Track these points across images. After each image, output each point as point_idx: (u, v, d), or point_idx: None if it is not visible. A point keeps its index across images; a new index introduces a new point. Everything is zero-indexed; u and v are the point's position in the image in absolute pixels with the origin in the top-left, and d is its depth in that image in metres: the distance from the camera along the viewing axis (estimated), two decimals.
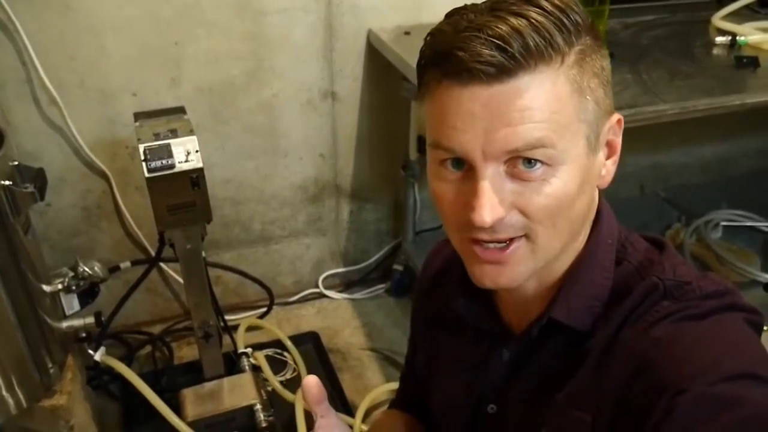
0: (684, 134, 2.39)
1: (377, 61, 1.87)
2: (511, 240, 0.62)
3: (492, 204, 0.58)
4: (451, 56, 0.57)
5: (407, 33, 1.81)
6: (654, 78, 1.50)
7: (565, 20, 0.57)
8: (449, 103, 0.58)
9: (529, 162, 0.58)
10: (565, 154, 0.59)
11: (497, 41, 0.55)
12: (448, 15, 0.61)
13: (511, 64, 0.55)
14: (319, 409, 0.70)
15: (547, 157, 0.58)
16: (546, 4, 0.56)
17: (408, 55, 1.64)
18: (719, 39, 1.72)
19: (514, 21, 0.55)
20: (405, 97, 1.83)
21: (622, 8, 1.88)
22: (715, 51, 1.71)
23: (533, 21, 0.55)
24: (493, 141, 0.57)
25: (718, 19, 1.81)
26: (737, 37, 1.69)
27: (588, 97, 0.60)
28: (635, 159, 2.32)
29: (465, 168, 0.60)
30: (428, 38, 0.61)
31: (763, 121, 2.52)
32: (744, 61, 1.58)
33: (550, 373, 0.69)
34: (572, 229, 0.65)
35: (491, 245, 0.62)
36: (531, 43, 0.55)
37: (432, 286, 0.88)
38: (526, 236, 0.61)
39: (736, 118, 2.39)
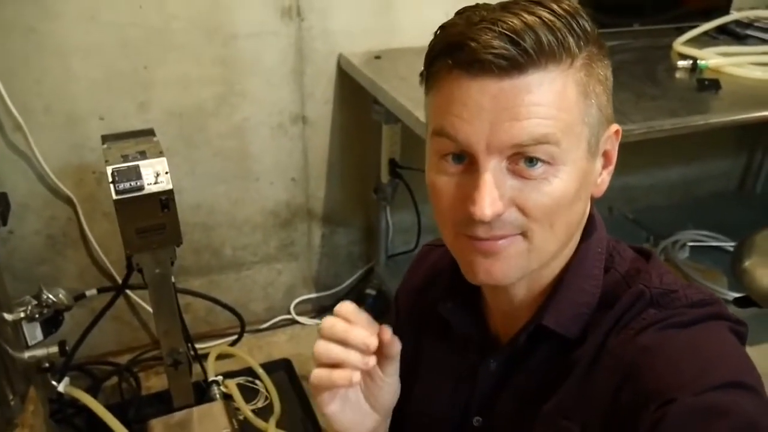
0: (650, 157, 2.44)
1: (348, 84, 1.88)
2: (507, 236, 0.61)
3: (493, 197, 0.58)
4: (464, 46, 0.57)
5: (378, 57, 1.82)
6: (620, 99, 1.52)
7: (575, 25, 0.58)
8: (457, 93, 0.58)
9: (531, 161, 0.58)
10: (567, 154, 0.59)
11: (511, 35, 0.55)
12: (459, 12, 0.61)
13: (523, 59, 0.56)
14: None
15: (550, 155, 0.58)
16: (557, 8, 0.57)
17: (379, 78, 1.65)
18: (681, 63, 1.77)
19: (527, 17, 0.56)
20: (376, 120, 1.84)
21: None
22: (678, 74, 1.75)
23: (546, 20, 0.56)
24: (498, 133, 0.57)
25: (679, 45, 1.87)
26: (698, 61, 1.74)
27: (593, 101, 0.60)
28: None
29: (466, 162, 0.60)
30: (438, 32, 0.61)
31: (726, 144, 2.60)
32: (706, 84, 1.62)
33: (538, 383, 0.68)
34: (568, 233, 0.65)
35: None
36: (544, 40, 0.56)
37: (418, 291, 0.86)
38: (523, 234, 0.61)
39: (700, 141, 2.45)
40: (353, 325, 0.65)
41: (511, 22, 0.56)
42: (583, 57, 0.59)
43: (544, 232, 0.61)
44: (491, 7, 0.59)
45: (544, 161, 0.58)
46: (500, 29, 0.55)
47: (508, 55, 0.55)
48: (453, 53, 0.58)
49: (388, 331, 0.67)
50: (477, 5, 0.61)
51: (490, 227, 0.60)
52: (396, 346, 0.68)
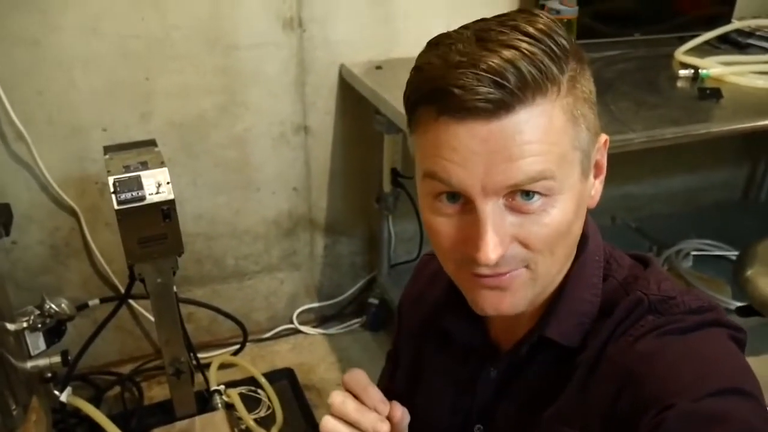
0: (653, 166, 2.44)
1: (349, 94, 1.88)
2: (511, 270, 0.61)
3: (495, 242, 0.57)
4: (447, 93, 0.55)
5: (379, 67, 1.83)
6: (621, 108, 1.53)
7: (553, 46, 0.56)
8: (444, 137, 0.57)
9: (528, 194, 0.57)
10: (563, 183, 0.58)
11: (494, 77, 0.54)
12: (432, 44, 0.59)
13: (508, 99, 0.54)
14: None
15: (547, 188, 0.57)
16: (533, 31, 0.55)
17: (380, 89, 1.66)
18: (682, 72, 1.77)
19: (506, 53, 0.54)
20: (378, 130, 1.85)
21: (587, 43, 1.92)
22: (679, 83, 1.75)
23: (525, 51, 0.54)
24: (493, 176, 0.56)
25: (680, 54, 1.87)
26: (700, 70, 1.74)
27: (582, 124, 0.59)
28: (606, 190, 2.31)
29: (461, 201, 0.59)
30: (415, 72, 0.59)
31: (729, 154, 2.59)
32: (707, 93, 1.62)
33: (538, 390, 0.68)
34: (568, 253, 0.65)
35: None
36: (527, 76, 0.54)
37: (419, 300, 0.86)
38: (527, 266, 0.61)
39: (703, 151, 2.45)
40: (364, 407, 0.64)
41: (492, 62, 0.54)
42: (567, 80, 0.58)
43: (546, 260, 0.61)
44: (465, 38, 0.57)
45: (542, 194, 0.57)
46: (481, 71, 0.54)
47: (493, 98, 0.54)
48: (437, 101, 0.56)
49: (398, 408, 0.65)
50: (449, 35, 0.59)
51: (496, 265, 0.59)
52: (406, 419, 0.66)
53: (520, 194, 0.57)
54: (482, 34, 0.56)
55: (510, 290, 0.62)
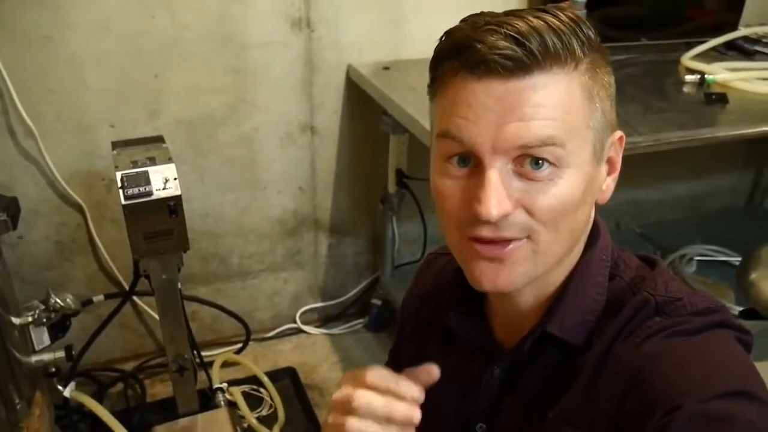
0: (658, 172, 2.44)
1: (357, 95, 1.89)
2: (513, 239, 0.61)
3: (499, 197, 0.58)
4: (469, 48, 0.57)
5: (386, 68, 1.84)
6: (628, 112, 1.53)
7: (578, 31, 0.59)
8: (463, 95, 0.59)
9: (537, 162, 0.58)
10: (572, 156, 0.59)
11: (516, 36, 0.56)
12: (464, 19, 0.62)
13: (528, 60, 0.56)
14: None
15: (555, 157, 0.58)
16: (561, 15, 0.59)
17: (388, 89, 1.66)
18: (689, 77, 1.77)
19: (533, 21, 0.57)
20: (384, 130, 1.85)
21: None
22: (686, 88, 1.76)
23: (551, 24, 0.57)
24: (504, 134, 0.57)
25: (687, 59, 1.87)
26: (706, 76, 1.75)
27: (597, 105, 0.61)
28: (612, 196, 2.36)
29: (471, 165, 0.60)
30: (444, 36, 0.62)
31: (734, 160, 2.59)
32: (713, 98, 1.63)
33: (542, 390, 0.68)
34: (573, 237, 0.65)
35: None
36: (549, 43, 0.57)
37: (423, 299, 0.87)
38: (528, 237, 0.61)
39: (708, 156, 2.45)
40: (392, 398, 0.59)
41: (517, 24, 0.56)
42: (587, 62, 0.60)
43: (549, 235, 0.61)
44: (496, 14, 0.60)
45: (550, 163, 0.58)
46: (506, 31, 0.56)
47: (513, 56, 0.56)
48: (459, 55, 0.59)
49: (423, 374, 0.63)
50: (482, 12, 0.62)
51: (497, 227, 0.59)
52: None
53: (529, 161, 0.58)
54: (513, 11, 0.60)
55: (509, 263, 0.62)
